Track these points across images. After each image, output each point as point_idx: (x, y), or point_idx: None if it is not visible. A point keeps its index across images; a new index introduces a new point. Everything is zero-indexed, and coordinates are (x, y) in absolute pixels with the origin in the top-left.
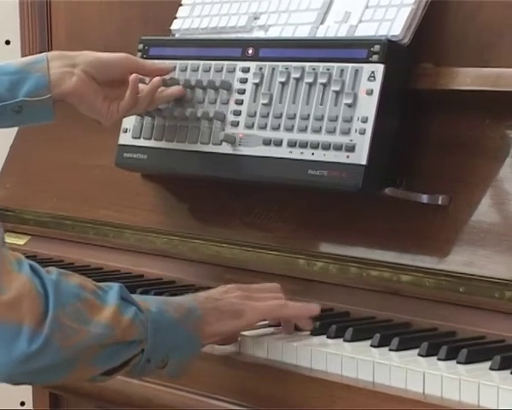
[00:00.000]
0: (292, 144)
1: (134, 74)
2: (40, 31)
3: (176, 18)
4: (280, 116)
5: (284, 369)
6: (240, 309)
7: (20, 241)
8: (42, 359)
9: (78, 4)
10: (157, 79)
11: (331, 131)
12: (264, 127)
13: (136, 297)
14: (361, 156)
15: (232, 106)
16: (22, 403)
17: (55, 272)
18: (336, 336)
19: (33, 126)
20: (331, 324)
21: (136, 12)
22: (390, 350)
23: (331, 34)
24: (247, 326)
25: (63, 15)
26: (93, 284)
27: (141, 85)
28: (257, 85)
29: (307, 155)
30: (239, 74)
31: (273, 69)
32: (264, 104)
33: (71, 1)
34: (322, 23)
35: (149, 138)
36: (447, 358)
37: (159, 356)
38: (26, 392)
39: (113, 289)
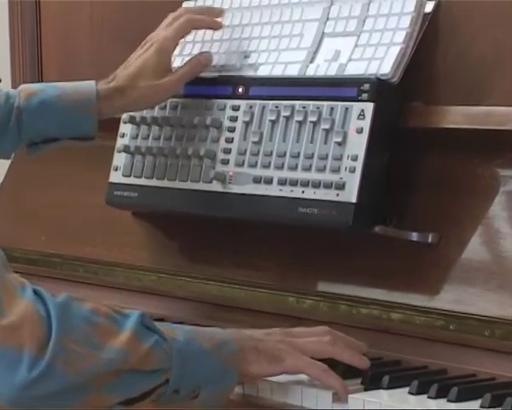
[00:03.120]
0: (282, 182)
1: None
2: (31, 69)
3: None
4: (270, 154)
5: (274, 406)
6: (280, 355)
7: None
8: (45, 385)
9: (69, 40)
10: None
11: (321, 170)
12: (254, 165)
13: (164, 326)
14: (351, 194)
15: (222, 144)
16: None
17: (64, 296)
18: None
19: (23, 166)
20: (322, 362)
21: (128, 50)
22: (380, 388)
23: (321, 73)
24: (285, 373)
25: (54, 53)
26: (111, 308)
27: None
28: (247, 123)
29: (297, 193)
30: (229, 112)
31: (263, 107)
32: (254, 142)
33: (62, 36)
34: (311, 62)
35: (140, 176)
36: (438, 396)
37: (188, 387)
38: None
39: (134, 315)
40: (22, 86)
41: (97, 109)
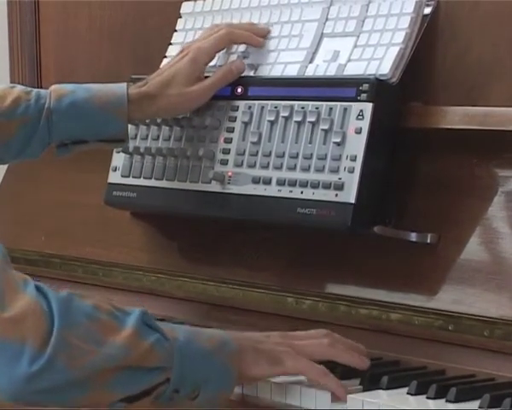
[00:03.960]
0: (281, 183)
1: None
2: (29, 71)
3: (165, 57)
4: (269, 155)
5: (273, 407)
6: (279, 357)
7: None
8: (46, 379)
9: (67, 43)
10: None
11: (320, 170)
12: (253, 166)
13: (164, 325)
14: (350, 195)
15: (221, 144)
16: None
17: (66, 292)
18: None
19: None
20: (320, 363)
21: (126, 51)
22: (379, 389)
23: (320, 73)
24: (284, 374)
25: (53, 54)
26: (112, 306)
27: None
28: (246, 124)
29: (296, 193)
30: (228, 113)
31: (262, 108)
32: (253, 143)
33: (60, 39)
34: (311, 62)
35: (139, 177)
36: (436, 396)
37: (189, 387)
38: None
39: (135, 313)
40: (53, 87)
41: (127, 113)
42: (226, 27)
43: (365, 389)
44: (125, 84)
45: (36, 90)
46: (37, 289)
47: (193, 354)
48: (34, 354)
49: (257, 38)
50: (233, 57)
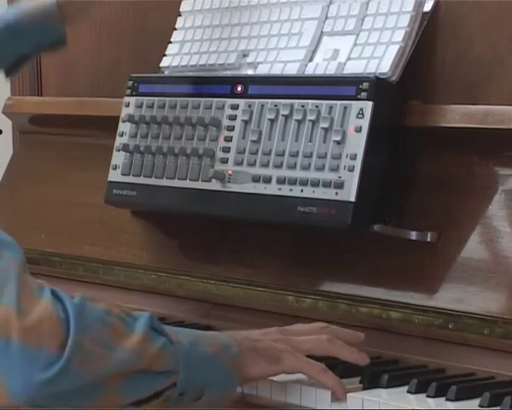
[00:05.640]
0: (281, 181)
1: None
2: (30, 69)
3: (165, 55)
4: (269, 153)
5: (274, 406)
6: (278, 355)
7: None
8: (62, 383)
9: (68, 40)
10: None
11: (320, 168)
12: (253, 164)
13: (167, 329)
14: (350, 193)
15: (221, 143)
16: None
17: (79, 296)
18: None
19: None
20: (320, 361)
21: (125, 50)
22: (379, 387)
23: (320, 71)
24: (283, 372)
25: (53, 54)
26: (122, 310)
27: None
28: (246, 122)
29: (296, 191)
30: (228, 111)
31: (262, 106)
32: (253, 141)
33: None
34: (310, 60)
35: (139, 175)
36: (436, 395)
37: (193, 390)
38: None
39: (143, 317)
40: None
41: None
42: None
43: (365, 388)
44: None
45: None
46: (53, 293)
47: (197, 359)
48: (51, 358)
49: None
50: (233, 55)
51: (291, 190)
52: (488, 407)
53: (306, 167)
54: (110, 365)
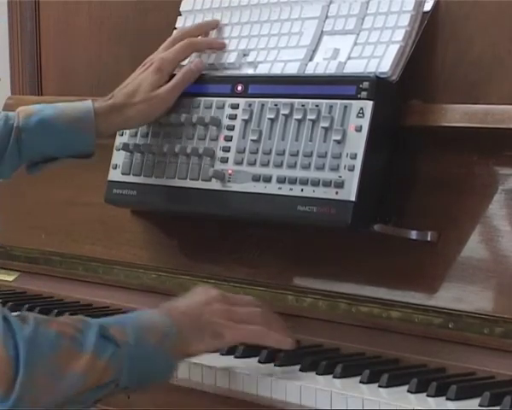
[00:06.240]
0: (281, 181)
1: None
2: (30, 68)
3: None
4: (269, 152)
5: (274, 406)
6: (220, 331)
7: (10, 277)
8: None
9: (67, 42)
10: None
11: (320, 168)
12: (253, 163)
13: (115, 323)
14: (350, 193)
15: (221, 142)
16: None
17: (32, 322)
18: (326, 373)
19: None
20: (321, 360)
21: (126, 50)
22: (379, 387)
23: (320, 71)
24: (226, 346)
25: (53, 53)
26: (73, 327)
27: None
28: (246, 122)
29: (296, 191)
30: (228, 111)
31: (262, 106)
32: (253, 140)
33: (61, 38)
34: (311, 60)
35: (139, 174)
36: (437, 394)
37: (134, 384)
38: None
39: (92, 328)
40: (20, 108)
41: (95, 127)
42: (187, 38)
43: (365, 387)
44: (90, 100)
45: (4, 112)
46: (5, 322)
47: (142, 356)
48: (0, 398)
49: (218, 41)
50: (233, 55)
51: (291, 189)
52: (488, 406)
53: (306, 167)
54: (60, 393)
